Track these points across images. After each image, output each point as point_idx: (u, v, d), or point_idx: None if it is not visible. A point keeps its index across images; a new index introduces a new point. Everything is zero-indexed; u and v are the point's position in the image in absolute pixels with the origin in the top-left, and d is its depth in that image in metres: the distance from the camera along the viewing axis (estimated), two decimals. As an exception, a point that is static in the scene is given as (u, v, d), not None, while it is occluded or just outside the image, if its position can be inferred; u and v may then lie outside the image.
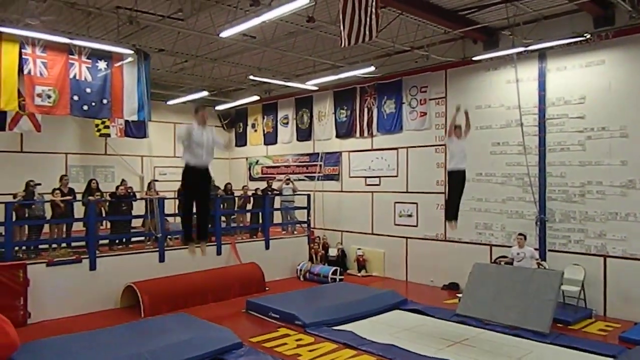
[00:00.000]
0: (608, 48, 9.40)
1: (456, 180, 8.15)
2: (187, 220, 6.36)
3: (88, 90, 10.01)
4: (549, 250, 10.12)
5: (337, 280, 12.24)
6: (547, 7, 9.41)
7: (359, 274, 13.18)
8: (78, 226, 10.93)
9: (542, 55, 10.21)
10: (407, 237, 12.74)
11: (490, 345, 7.72)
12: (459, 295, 9.86)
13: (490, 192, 11.09)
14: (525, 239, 9.52)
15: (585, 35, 9.27)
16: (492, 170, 11.05)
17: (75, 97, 9.88)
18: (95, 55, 10.01)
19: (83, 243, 10.31)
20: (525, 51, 9.85)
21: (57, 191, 10.20)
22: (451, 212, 8.25)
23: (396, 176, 13.05)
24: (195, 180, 6.25)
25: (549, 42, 9.49)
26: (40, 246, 10.11)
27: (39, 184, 10.37)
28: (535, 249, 9.72)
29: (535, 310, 8.27)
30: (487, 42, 10.89)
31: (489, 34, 10.76)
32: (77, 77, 9.87)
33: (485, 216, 11.19)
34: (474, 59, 10.76)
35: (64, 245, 10.32)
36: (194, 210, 6.34)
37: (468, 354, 7.26)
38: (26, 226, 10.16)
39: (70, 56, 9.74)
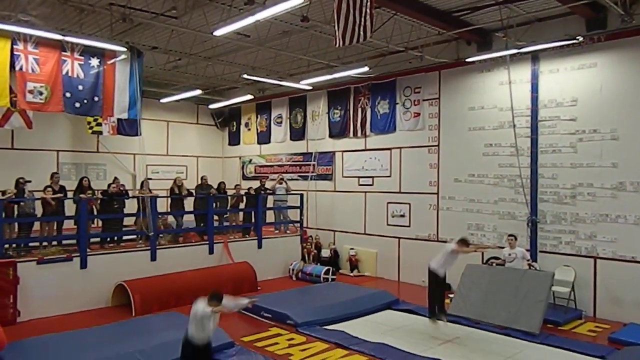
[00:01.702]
0: (600, 51, 9.47)
1: (435, 282, 8.12)
2: None
3: (80, 87, 9.93)
4: (540, 251, 10.19)
5: (330, 280, 12.24)
6: (540, 9, 9.47)
7: (351, 274, 13.19)
8: (69, 224, 10.84)
9: (535, 57, 10.27)
10: (399, 238, 12.77)
11: (480, 344, 7.76)
12: (451, 295, 9.89)
13: (482, 193, 11.14)
14: (516, 239, 9.57)
15: (577, 38, 9.33)
16: (484, 171, 11.10)
17: (68, 94, 9.80)
18: (88, 52, 9.93)
19: (74, 241, 10.24)
20: (518, 53, 9.90)
21: (48, 189, 10.12)
22: (433, 309, 8.11)
23: (389, 176, 13.08)
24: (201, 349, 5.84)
25: (541, 45, 9.55)
26: (31, 244, 10.02)
27: (30, 181, 10.28)
28: (527, 250, 9.77)
29: (526, 310, 8.32)
30: (481, 44, 10.94)
31: (482, 36, 10.81)
32: (70, 74, 9.79)
33: (477, 217, 11.23)
34: (467, 60, 10.81)
35: (54, 243, 10.26)
36: None
37: (459, 353, 7.30)
38: (16, 224, 10.07)
39: (63, 53, 9.65)
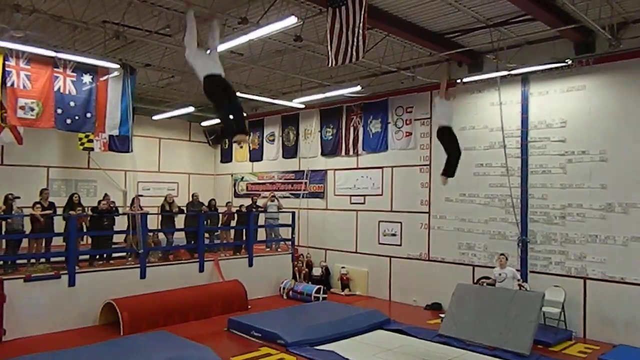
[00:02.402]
0: (588, 74, 9.64)
1: (447, 137, 8.21)
2: (225, 115, 6.42)
3: (72, 103, 9.93)
4: (531, 272, 10.21)
5: (321, 299, 12.16)
6: (530, 32, 9.64)
7: (342, 293, 13.12)
8: (58, 241, 10.71)
9: (525, 79, 10.43)
10: (390, 257, 12.75)
11: (472, 366, 7.71)
12: (442, 315, 9.86)
13: (473, 213, 11.19)
14: (507, 259, 9.60)
15: (566, 61, 9.52)
16: (475, 191, 11.17)
17: (59, 111, 9.78)
18: (81, 68, 9.95)
19: (62, 258, 10.10)
20: (508, 75, 10.06)
21: (37, 205, 10.03)
22: (449, 169, 8.25)
23: (381, 195, 13.11)
24: (217, 83, 6.36)
25: (531, 67, 9.73)
26: (18, 261, 9.87)
27: (19, 197, 10.18)
28: (517, 270, 9.79)
29: (517, 331, 8.30)
30: (472, 65, 11.11)
31: (473, 57, 10.98)
32: (62, 91, 9.78)
33: (468, 236, 11.26)
34: (458, 81, 10.95)
35: (42, 260, 10.12)
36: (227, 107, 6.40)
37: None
38: (4, 240, 9.94)
39: (55, 69, 9.67)
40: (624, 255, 9.05)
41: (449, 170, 8.19)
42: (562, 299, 9.47)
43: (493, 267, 9.90)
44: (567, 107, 9.90)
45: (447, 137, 8.20)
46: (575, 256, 9.64)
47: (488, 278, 9.94)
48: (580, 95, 9.75)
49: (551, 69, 9.81)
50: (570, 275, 9.68)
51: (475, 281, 10.70)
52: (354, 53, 7.77)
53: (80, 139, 13.97)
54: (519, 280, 9.52)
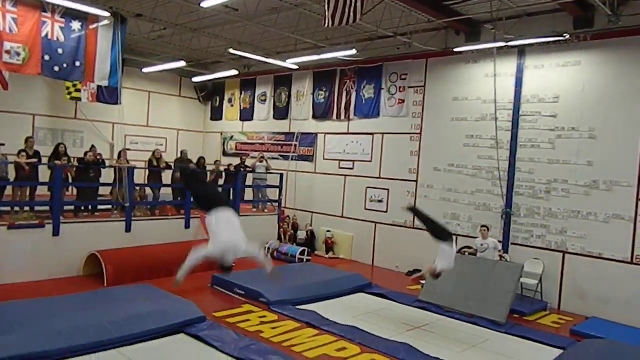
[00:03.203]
0: (585, 50, 9.58)
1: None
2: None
3: (60, 51, 9.65)
4: (512, 244, 10.41)
5: (305, 260, 12.32)
6: (531, 4, 9.49)
7: (326, 256, 13.30)
8: (43, 190, 10.65)
9: (521, 51, 10.34)
10: (376, 223, 12.88)
11: (447, 331, 7.93)
12: (423, 282, 10.06)
13: (460, 184, 11.28)
14: (488, 230, 9.76)
15: (564, 35, 9.42)
16: (463, 162, 11.22)
17: (47, 57, 9.51)
18: (70, 15, 9.63)
19: (47, 208, 10.05)
20: (505, 46, 9.95)
21: (23, 153, 9.89)
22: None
23: (370, 161, 13.13)
24: None
25: (529, 39, 9.63)
26: (2, 208, 9.80)
27: (3, 144, 10.04)
28: (499, 241, 9.97)
29: (494, 300, 8.52)
30: (470, 35, 10.96)
31: (471, 27, 10.82)
32: (49, 37, 9.49)
33: (453, 206, 11.39)
34: (455, 50, 10.83)
35: (27, 209, 10.05)
36: None
37: (426, 339, 7.45)
38: (-13, 187, 9.83)
39: (43, 14, 9.34)
40: (604, 231, 9.24)
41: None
42: (540, 272, 9.71)
43: (476, 238, 10.06)
44: (561, 82, 9.88)
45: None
46: (557, 230, 9.82)
47: (470, 248, 10.11)
48: (575, 71, 9.72)
49: (548, 42, 9.72)
50: (550, 249, 9.89)
51: (457, 250, 10.86)
52: (352, 14, 7.62)
53: (68, 88, 13.69)
54: (500, 251, 9.71)
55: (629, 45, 9.06)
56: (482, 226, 9.84)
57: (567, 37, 9.47)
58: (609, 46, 9.31)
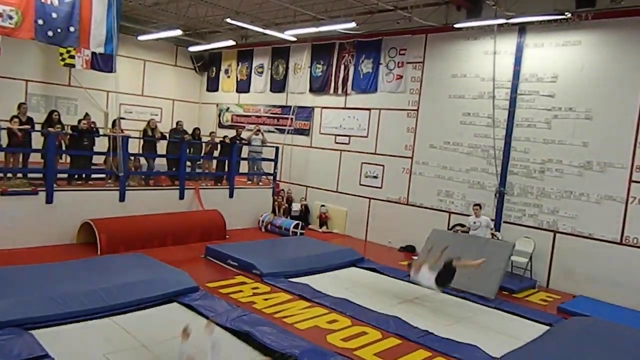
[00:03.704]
0: (586, 29, 9.49)
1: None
2: None
3: (54, 15, 9.43)
4: (504, 222, 10.50)
5: (298, 234, 12.39)
6: (533, -20, 9.36)
7: (320, 230, 13.38)
8: (36, 157, 10.57)
9: (522, 29, 10.23)
10: (370, 198, 12.93)
11: (438, 305, 8.06)
12: (415, 257, 10.16)
13: (455, 161, 11.29)
14: (481, 208, 9.83)
15: (565, 13, 9.31)
16: (459, 139, 11.21)
17: (40, 22, 9.30)
18: (64, -22, 9.39)
19: (40, 175, 10.00)
20: (506, 23, 9.84)
21: (15, 119, 9.76)
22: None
23: (366, 137, 13.09)
24: None
25: (530, 17, 9.53)
26: (-5, 175, 9.75)
27: (-5, 110, 9.90)
28: (492, 220, 10.05)
29: (485, 277, 8.62)
30: (471, 10, 10.79)
31: (473, 2, 10.66)
32: (43, 0, 9.28)
33: (448, 184, 11.43)
34: (455, 26, 10.69)
35: (19, 175, 9.99)
36: None
37: (416, 312, 7.57)
38: (-20, 152, 9.74)
39: (36, -24, 9.11)
40: (595, 212, 9.33)
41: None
42: (530, 250, 9.82)
43: (469, 215, 10.13)
44: (561, 61, 9.81)
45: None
46: (549, 210, 9.90)
47: (463, 225, 10.19)
48: (574, 51, 9.64)
49: (549, 20, 9.61)
50: (541, 228, 9.98)
51: (450, 227, 10.98)
52: (352, -14, 7.48)
53: (62, 54, 13.39)
54: (492, 229, 9.79)
55: (630, 26, 8.97)
56: (475, 204, 9.90)
57: (569, 15, 9.36)
58: (610, 26, 9.22)
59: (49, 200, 9.49)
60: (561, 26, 9.70)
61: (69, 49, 12.66)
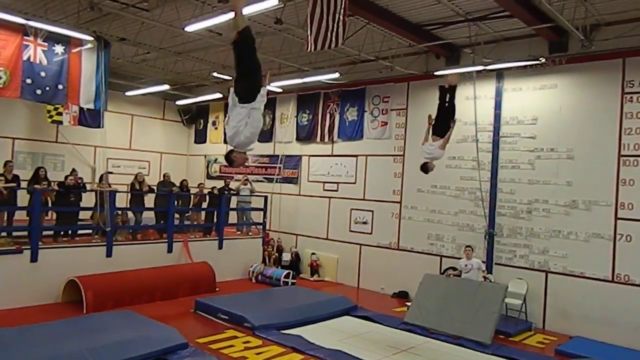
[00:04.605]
0: (560, 73, 9.86)
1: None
2: None
3: (42, 74, 9.61)
4: (496, 264, 10.47)
5: (290, 283, 12.20)
6: (507, 29, 9.77)
7: (311, 279, 13.20)
8: (21, 215, 10.44)
9: (499, 74, 10.59)
10: (361, 244, 12.87)
11: (434, 354, 7.89)
12: (408, 303, 10.03)
13: (443, 205, 11.37)
14: (473, 250, 9.82)
15: (540, 59, 9.70)
16: (446, 183, 11.33)
17: (28, 80, 9.46)
18: (52, 38, 9.62)
19: (25, 233, 9.85)
20: (484, 70, 10.18)
21: (1, 177, 9.72)
22: None
23: (354, 183, 13.18)
24: None
25: (507, 63, 9.89)
26: (-21, 234, 9.59)
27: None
28: (483, 262, 10.03)
29: (479, 321, 8.52)
30: (449, 58, 11.20)
31: (451, 51, 11.07)
32: (32, 60, 9.45)
33: (437, 227, 11.45)
34: (435, 73, 11.01)
35: (4, 234, 9.83)
36: None
37: (412, 362, 7.40)
38: (-36, 212, 9.60)
39: (25, 37, 9.32)
40: (584, 250, 9.36)
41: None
42: (524, 291, 9.76)
43: (460, 258, 10.10)
44: (539, 104, 10.11)
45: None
46: (539, 250, 9.92)
47: (455, 269, 10.15)
48: (552, 94, 9.97)
49: (525, 66, 9.99)
50: (533, 269, 9.96)
51: (442, 271, 10.91)
52: (333, 39, 7.74)
53: (49, 111, 13.59)
54: (483, 271, 9.75)
55: (601, 69, 9.35)
56: (467, 246, 9.90)
57: (543, 60, 9.75)
58: (583, 70, 9.59)
59: (34, 258, 9.30)
60: (537, 71, 10.07)
61: (57, 106, 12.88)
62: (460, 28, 9.91)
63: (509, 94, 10.53)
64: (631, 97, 9.09)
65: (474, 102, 10.47)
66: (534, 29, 9.22)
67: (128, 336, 7.09)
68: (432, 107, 11.51)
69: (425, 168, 8.12)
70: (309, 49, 7.85)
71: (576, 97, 9.69)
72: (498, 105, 10.63)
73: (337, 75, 11.58)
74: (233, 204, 13.88)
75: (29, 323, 7.71)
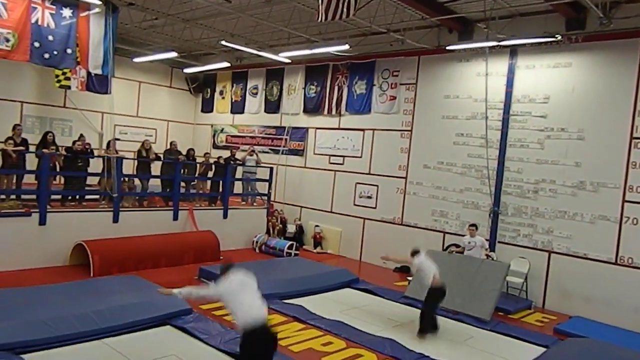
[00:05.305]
0: (576, 51, 9.66)
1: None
2: None
3: (50, 37, 9.52)
4: (499, 242, 10.50)
5: (293, 254, 12.33)
6: (524, 4, 9.53)
7: (314, 250, 13.32)
8: (29, 179, 10.53)
9: (513, 51, 10.39)
10: (365, 218, 12.92)
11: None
12: (409, 278, 10.12)
13: (449, 182, 11.34)
14: (477, 229, 9.82)
15: (556, 36, 9.48)
16: (453, 160, 11.27)
17: (37, 44, 9.37)
18: (60, 2, 9.48)
19: (34, 196, 9.95)
20: (497, 45, 9.99)
21: (10, 140, 9.75)
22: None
23: (360, 157, 13.14)
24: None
25: (521, 39, 9.67)
26: (-13, 196, 9.69)
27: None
28: (486, 240, 10.05)
29: (480, 298, 8.59)
30: (462, 33, 10.99)
31: (464, 25, 10.85)
32: (40, 23, 9.35)
33: (442, 204, 11.45)
34: (447, 48, 10.85)
35: (12, 197, 9.94)
36: None
37: (411, 335, 7.49)
38: (-27, 174, 9.69)
39: (33, 0, 9.21)
40: (589, 232, 9.35)
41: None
42: (526, 270, 9.81)
43: (463, 235, 10.13)
44: (552, 83, 9.95)
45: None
46: (543, 230, 9.92)
47: (458, 246, 10.18)
48: (565, 72, 9.79)
49: (540, 43, 9.79)
50: (536, 248, 9.98)
51: (445, 248, 10.96)
52: (345, 10, 7.61)
53: (57, 76, 13.52)
54: (486, 249, 9.78)
55: (619, 48, 9.14)
56: (471, 224, 9.89)
57: (559, 38, 9.53)
58: (599, 48, 9.38)
59: (42, 221, 9.42)
60: (552, 48, 9.86)
61: (65, 70, 12.82)
62: (474, 1, 9.68)
63: (522, 71, 10.35)
64: (647, 79, 8.92)
65: (485, 79, 10.32)
66: (551, 4, 8.99)
67: (133, 300, 7.21)
68: (443, 82, 11.51)
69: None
70: (320, 19, 7.73)
71: (590, 77, 9.51)
72: (510, 83, 10.46)
73: (346, 47, 11.42)
74: (239, 174, 13.93)
75: (37, 284, 7.87)
